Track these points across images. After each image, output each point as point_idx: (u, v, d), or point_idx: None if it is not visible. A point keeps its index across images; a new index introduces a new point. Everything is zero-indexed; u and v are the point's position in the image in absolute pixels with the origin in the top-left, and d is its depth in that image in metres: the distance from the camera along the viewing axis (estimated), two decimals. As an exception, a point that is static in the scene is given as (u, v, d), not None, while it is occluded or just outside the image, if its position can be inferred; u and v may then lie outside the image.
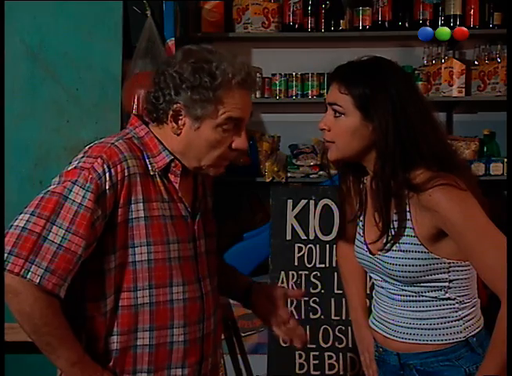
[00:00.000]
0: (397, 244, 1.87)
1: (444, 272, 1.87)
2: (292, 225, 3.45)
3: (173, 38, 3.46)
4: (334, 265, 3.38)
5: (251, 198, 4.08)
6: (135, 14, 3.51)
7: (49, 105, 3.35)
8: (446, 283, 1.88)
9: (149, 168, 1.79)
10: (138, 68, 3.37)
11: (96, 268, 1.74)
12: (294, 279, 3.38)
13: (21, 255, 1.62)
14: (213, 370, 1.93)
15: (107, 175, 1.70)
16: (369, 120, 1.84)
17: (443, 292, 1.89)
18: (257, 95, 3.91)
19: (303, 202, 3.45)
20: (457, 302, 1.90)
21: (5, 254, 1.62)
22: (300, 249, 3.42)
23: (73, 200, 1.67)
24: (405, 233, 1.86)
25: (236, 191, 3.96)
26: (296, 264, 3.39)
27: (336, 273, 3.37)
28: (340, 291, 3.35)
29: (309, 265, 3.39)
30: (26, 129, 3.33)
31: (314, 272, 3.39)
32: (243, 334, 3.44)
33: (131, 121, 1.88)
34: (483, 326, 1.93)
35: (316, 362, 3.35)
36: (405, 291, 1.92)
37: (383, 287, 1.98)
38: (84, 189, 1.67)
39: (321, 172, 3.90)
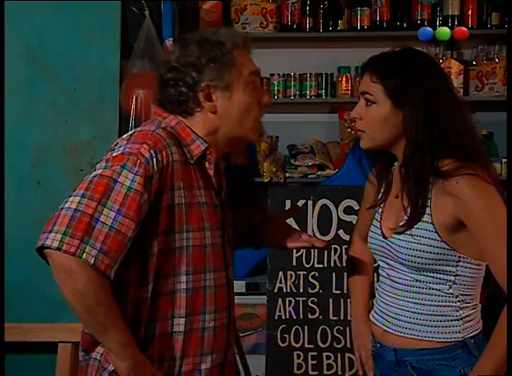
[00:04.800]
0: (411, 229, 1.89)
1: (452, 266, 1.88)
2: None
3: (171, 38, 3.46)
4: (332, 265, 3.38)
5: (249, 198, 4.07)
6: (133, 14, 3.50)
7: (47, 105, 3.35)
8: (452, 277, 1.90)
9: (188, 156, 1.83)
10: (137, 68, 3.37)
11: (139, 253, 1.76)
12: (292, 279, 3.38)
13: (76, 236, 1.63)
14: (234, 356, 1.98)
15: (154, 160, 1.73)
16: (399, 108, 1.88)
17: (447, 286, 1.90)
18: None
19: (301, 202, 3.44)
20: (459, 301, 1.91)
21: (59, 235, 1.63)
22: (298, 249, 3.42)
23: (123, 184, 1.69)
24: (422, 219, 1.88)
25: (234, 191, 3.96)
26: (294, 264, 3.39)
27: (334, 274, 3.37)
28: (339, 291, 3.36)
29: (307, 266, 3.39)
30: (24, 129, 3.32)
31: (312, 273, 3.39)
32: (241, 334, 3.44)
33: (156, 112, 1.91)
34: (481, 329, 1.94)
35: (314, 362, 3.35)
36: (411, 279, 1.93)
37: (389, 276, 1.99)
38: (132, 172, 1.70)
39: (319, 172, 3.90)
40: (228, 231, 1.97)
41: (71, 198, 1.68)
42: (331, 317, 3.36)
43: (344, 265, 3.34)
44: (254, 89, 1.89)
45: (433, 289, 1.92)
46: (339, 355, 3.34)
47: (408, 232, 1.90)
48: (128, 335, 1.73)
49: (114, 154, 1.75)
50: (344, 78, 3.94)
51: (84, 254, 1.63)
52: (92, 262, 1.64)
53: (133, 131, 1.85)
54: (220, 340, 1.88)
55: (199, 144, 1.85)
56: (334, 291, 3.37)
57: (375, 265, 2.17)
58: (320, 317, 3.36)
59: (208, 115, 1.86)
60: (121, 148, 1.76)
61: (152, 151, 1.74)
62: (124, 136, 1.83)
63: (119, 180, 1.70)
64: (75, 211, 1.65)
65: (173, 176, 1.77)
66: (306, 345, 3.35)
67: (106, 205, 1.67)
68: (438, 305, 1.92)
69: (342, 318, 3.34)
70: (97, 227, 1.66)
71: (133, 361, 1.73)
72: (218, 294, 1.87)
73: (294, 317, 3.36)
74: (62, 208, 1.67)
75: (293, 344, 3.35)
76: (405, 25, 3.92)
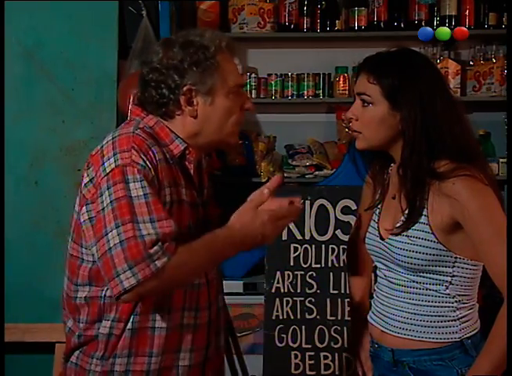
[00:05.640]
0: (408, 230, 1.89)
1: (448, 266, 1.89)
2: (287, 225, 3.44)
3: (169, 38, 3.46)
4: (330, 265, 3.39)
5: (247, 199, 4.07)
6: (130, 14, 3.51)
7: (45, 105, 3.35)
8: (449, 278, 1.90)
9: (167, 156, 1.82)
10: (134, 68, 3.38)
11: None
12: (290, 279, 3.38)
13: (139, 260, 1.64)
14: (217, 352, 1.96)
15: (147, 163, 1.74)
16: (396, 109, 1.88)
17: (444, 287, 1.91)
18: (253, 96, 3.90)
19: (298, 202, 3.44)
20: (456, 301, 1.91)
21: (128, 273, 1.64)
22: (295, 249, 3.42)
23: (137, 196, 1.70)
24: (419, 221, 1.88)
25: (232, 191, 3.96)
26: (292, 264, 3.39)
27: (331, 273, 3.37)
28: (336, 291, 3.36)
29: (305, 266, 3.39)
30: (21, 129, 3.33)
31: (309, 273, 3.39)
32: (238, 334, 3.43)
33: (134, 112, 1.90)
34: (479, 330, 1.94)
35: (312, 362, 3.35)
36: (408, 280, 1.94)
37: (386, 277, 2.00)
38: (137, 181, 1.71)
39: (317, 172, 3.91)
40: (212, 227, 1.94)
41: (109, 235, 1.68)
42: (328, 317, 3.36)
43: (342, 265, 3.35)
44: (237, 95, 1.88)
45: (430, 290, 1.92)
46: (336, 355, 3.35)
47: (404, 233, 1.90)
48: (217, 235, 1.78)
49: (108, 170, 1.73)
50: (341, 78, 3.94)
51: (157, 261, 1.64)
52: (166, 258, 1.65)
53: (112, 135, 1.81)
54: (200, 338, 1.88)
55: (178, 144, 1.85)
56: (332, 291, 3.37)
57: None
58: (318, 317, 3.36)
59: (188, 119, 1.85)
60: (111, 160, 1.75)
61: (141, 155, 1.74)
62: (105, 143, 1.80)
63: (133, 195, 1.70)
64: (120, 243, 1.66)
65: (162, 175, 1.78)
66: (303, 345, 3.35)
67: (138, 222, 1.68)
68: (434, 306, 1.92)
69: (339, 318, 3.34)
70: (146, 239, 1.66)
71: (242, 232, 1.80)
72: (198, 293, 1.87)
73: (292, 317, 3.36)
74: (109, 249, 1.67)
75: (291, 344, 3.35)
76: (402, 25, 3.92)
